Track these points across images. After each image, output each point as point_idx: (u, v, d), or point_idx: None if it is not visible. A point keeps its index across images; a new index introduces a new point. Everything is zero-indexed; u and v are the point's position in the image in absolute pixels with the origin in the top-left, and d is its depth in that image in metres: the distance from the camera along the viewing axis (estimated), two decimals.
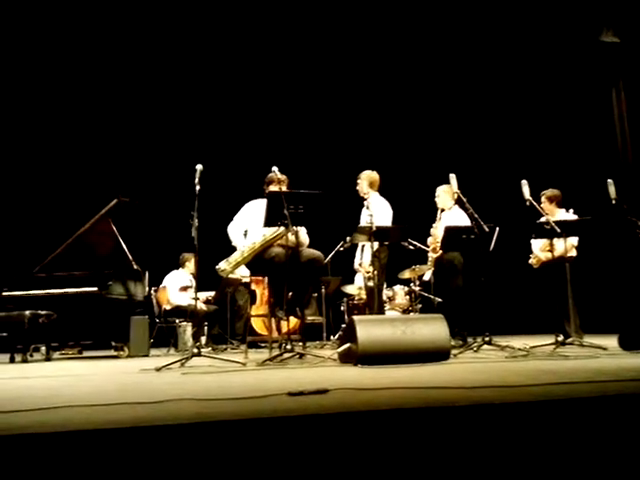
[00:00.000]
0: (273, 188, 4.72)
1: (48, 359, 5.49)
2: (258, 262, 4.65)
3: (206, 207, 4.25)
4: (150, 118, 9.04)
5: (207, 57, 8.97)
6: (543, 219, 4.87)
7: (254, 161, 6.91)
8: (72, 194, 8.49)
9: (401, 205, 5.83)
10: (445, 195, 5.82)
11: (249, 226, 4.85)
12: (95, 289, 5.78)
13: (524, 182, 4.74)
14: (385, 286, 6.51)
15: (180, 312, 7.06)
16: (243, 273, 6.08)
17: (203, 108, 9.22)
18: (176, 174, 7.04)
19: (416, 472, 1.50)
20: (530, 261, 5.73)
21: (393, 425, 1.57)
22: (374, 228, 4.76)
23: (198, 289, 5.07)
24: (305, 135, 9.27)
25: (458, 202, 5.38)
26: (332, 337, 7.04)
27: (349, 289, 7.34)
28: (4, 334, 5.47)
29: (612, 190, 4.82)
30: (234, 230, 4.93)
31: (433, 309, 6.28)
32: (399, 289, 7.08)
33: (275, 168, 4.58)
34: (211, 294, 7.37)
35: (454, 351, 4.08)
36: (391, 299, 7.01)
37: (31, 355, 5.50)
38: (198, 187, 4.21)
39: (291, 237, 4.38)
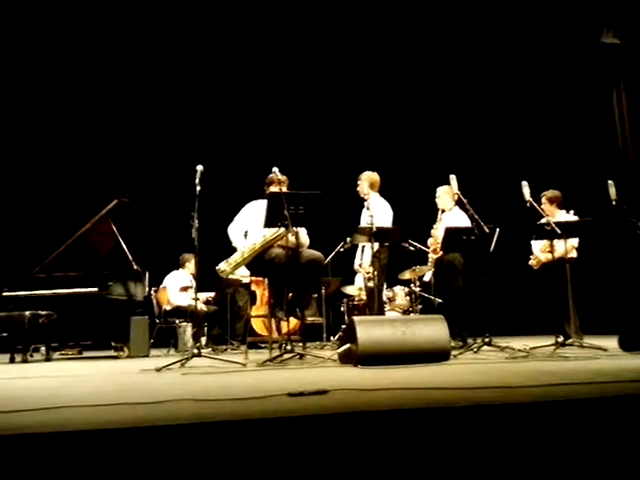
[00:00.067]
0: (273, 189, 4.72)
1: (48, 359, 5.49)
2: (258, 263, 4.64)
3: (206, 208, 4.26)
4: (151, 119, 9.04)
5: (208, 58, 8.97)
6: (543, 220, 4.87)
7: (254, 162, 6.91)
8: (72, 194, 8.49)
9: (401, 206, 5.83)
10: (445, 196, 5.82)
11: (249, 227, 4.85)
12: (95, 289, 5.78)
13: (524, 183, 4.74)
14: (385, 287, 6.51)
15: (180, 312, 7.06)
16: (243, 274, 6.08)
17: (203, 109, 9.23)
18: (176, 175, 7.05)
19: (416, 473, 1.50)
20: (530, 262, 5.73)
21: (393, 426, 1.57)
22: (374, 229, 4.76)
23: (198, 290, 5.07)
24: (305, 136, 9.27)
25: (458, 203, 5.38)
26: (332, 338, 7.04)
27: (349, 290, 7.34)
28: (4, 334, 5.47)
29: (612, 191, 4.82)
30: (234, 231, 4.93)
31: (433, 310, 6.28)
32: (399, 290, 7.08)
33: (275, 169, 4.58)
34: (211, 295, 7.37)
35: (454, 352, 4.08)
36: (391, 300, 7.01)
37: (31, 355, 5.50)
38: (198, 188, 4.21)
39: (291, 238, 4.38)
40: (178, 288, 7.19)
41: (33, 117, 8.78)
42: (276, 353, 4.22)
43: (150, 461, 1.40)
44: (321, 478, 1.46)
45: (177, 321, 7.02)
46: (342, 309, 7.44)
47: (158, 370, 3.66)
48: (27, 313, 5.35)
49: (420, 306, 6.99)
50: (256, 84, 9.19)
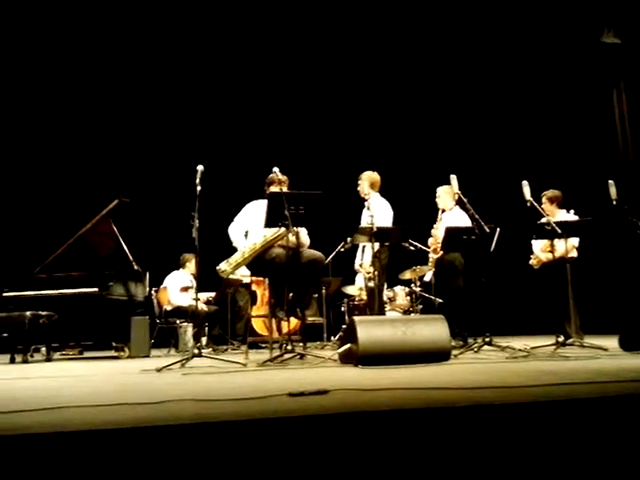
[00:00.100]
0: (274, 189, 4.71)
1: (49, 360, 5.49)
2: (259, 263, 4.64)
3: (207, 208, 4.26)
4: (151, 119, 9.04)
5: (208, 58, 8.98)
6: (544, 220, 4.86)
7: (255, 162, 6.91)
8: (73, 195, 8.50)
9: (402, 206, 5.83)
10: (446, 196, 5.82)
11: (250, 227, 4.84)
12: (96, 290, 5.78)
13: (525, 183, 4.73)
14: (386, 287, 6.51)
15: (181, 313, 7.06)
16: (244, 274, 6.08)
17: (204, 109, 9.23)
18: (177, 175, 7.05)
19: (416, 473, 1.50)
20: (531, 262, 5.73)
21: (393, 426, 1.57)
22: (375, 229, 4.76)
23: (199, 290, 5.07)
24: (306, 136, 9.27)
25: (459, 203, 5.38)
26: (333, 338, 7.04)
27: (350, 290, 7.34)
28: (5, 334, 5.48)
29: (613, 191, 4.82)
30: (235, 231, 4.93)
31: (434, 310, 6.29)
32: (400, 290, 7.08)
33: (276, 169, 4.58)
34: (212, 295, 7.37)
35: (455, 352, 4.08)
36: (392, 300, 7.01)
37: (31, 356, 5.51)
38: (199, 188, 4.21)
39: (292, 238, 4.38)
40: (179, 288, 7.19)
41: (34, 118, 8.78)
42: (277, 353, 4.22)
43: (151, 461, 1.40)
44: (321, 478, 1.46)
45: (178, 321, 7.02)
46: (342, 309, 7.44)
47: (159, 370, 3.66)
48: (28, 313, 5.35)
49: (420, 306, 6.99)
50: (256, 84, 9.19)
